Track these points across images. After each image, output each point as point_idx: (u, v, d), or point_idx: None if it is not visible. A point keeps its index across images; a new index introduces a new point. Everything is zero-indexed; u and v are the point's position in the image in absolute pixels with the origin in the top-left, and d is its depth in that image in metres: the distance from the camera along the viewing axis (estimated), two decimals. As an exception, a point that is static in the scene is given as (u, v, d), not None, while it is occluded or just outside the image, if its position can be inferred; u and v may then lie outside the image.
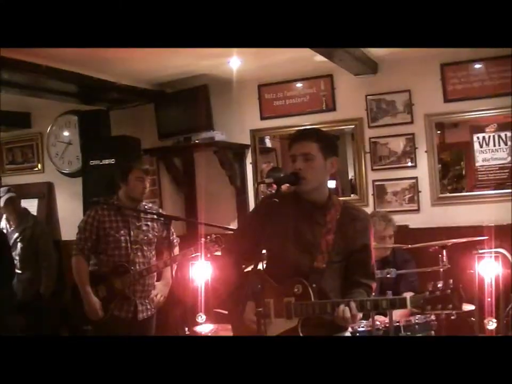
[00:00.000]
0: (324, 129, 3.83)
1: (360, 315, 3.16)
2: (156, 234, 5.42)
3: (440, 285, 2.96)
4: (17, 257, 7.06)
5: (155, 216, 5.41)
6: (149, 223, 5.40)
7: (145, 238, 5.35)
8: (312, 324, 3.30)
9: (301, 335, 3.27)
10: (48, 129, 8.22)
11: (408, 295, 5.46)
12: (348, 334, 3.55)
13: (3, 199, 7.11)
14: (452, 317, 5.28)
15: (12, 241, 7.08)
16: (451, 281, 2.95)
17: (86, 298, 5.17)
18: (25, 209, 7.63)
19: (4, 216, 7.27)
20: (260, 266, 3.61)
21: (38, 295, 7.06)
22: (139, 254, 5.30)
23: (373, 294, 3.46)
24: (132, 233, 5.30)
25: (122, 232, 5.27)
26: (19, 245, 7.09)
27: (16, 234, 7.13)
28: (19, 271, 7.03)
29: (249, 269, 3.68)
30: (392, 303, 3.06)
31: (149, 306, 5.35)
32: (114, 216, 5.30)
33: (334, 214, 3.44)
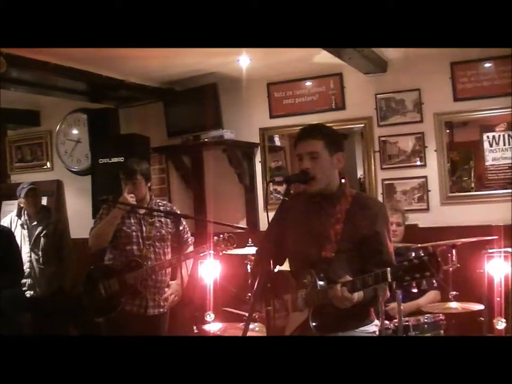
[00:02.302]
0: (332, 127, 3.80)
1: (354, 296, 3.12)
2: (170, 230, 5.39)
3: (420, 253, 2.94)
4: (40, 253, 7.09)
5: (163, 214, 5.41)
6: (162, 219, 5.39)
7: (158, 234, 5.33)
8: (323, 315, 3.30)
9: (312, 326, 3.28)
10: (57, 127, 8.25)
11: (429, 295, 5.55)
12: (370, 327, 3.53)
13: (25, 190, 7.10)
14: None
15: (34, 237, 7.11)
16: (430, 248, 2.92)
17: (118, 210, 5.22)
18: (47, 206, 7.71)
19: (24, 211, 7.27)
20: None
21: (60, 289, 7.12)
22: (152, 250, 5.28)
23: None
24: (144, 229, 5.29)
25: (134, 228, 5.27)
26: (42, 240, 7.10)
27: (39, 229, 7.13)
28: (41, 266, 7.08)
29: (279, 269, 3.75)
30: (377, 278, 3.03)
31: (161, 303, 5.32)
32: (127, 212, 5.29)
33: (344, 204, 3.45)
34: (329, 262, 3.35)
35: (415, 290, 4.94)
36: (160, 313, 5.34)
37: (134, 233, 5.26)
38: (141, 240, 5.26)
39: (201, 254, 5.23)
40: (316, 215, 3.49)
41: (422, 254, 2.88)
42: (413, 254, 2.91)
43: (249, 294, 5.61)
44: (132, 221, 5.30)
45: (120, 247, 5.27)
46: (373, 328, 3.54)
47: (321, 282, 3.31)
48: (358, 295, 3.14)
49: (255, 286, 3.34)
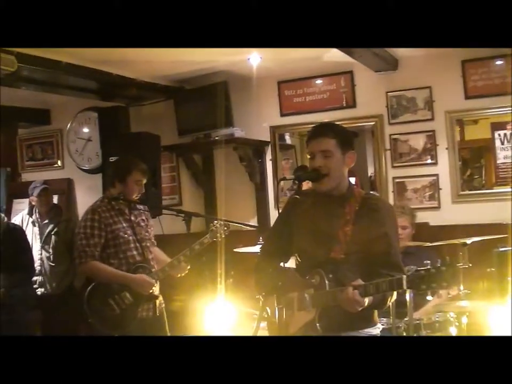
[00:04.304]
0: (344, 126, 3.81)
1: (365, 300, 3.13)
2: (150, 228, 5.39)
3: (438, 262, 2.93)
4: (51, 250, 7.15)
5: (168, 213, 5.43)
6: (143, 217, 5.34)
7: (147, 233, 5.28)
8: (330, 315, 3.31)
9: (318, 326, 3.29)
10: (68, 125, 8.23)
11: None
12: (374, 329, 3.53)
13: (37, 190, 7.17)
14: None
15: (45, 235, 7.18)
16: (448, 258, 2.91)
17: (129, 279, 5.00)
18: (58, 204, 7.80)
19: (36, 209, 7.31)
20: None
21: (71, 287, 7.15)
22: (149, 250, 5.23)
23: None
24: (136, 231, 5.19)
25: (129, 232, 5.15)
26: (53, 238, 7.17)
27: (50, 227, 7.20)
28: (52, 264, 7.15)
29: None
30: (391, 284, 3.04)
31: (161, 299, 5.27)
32: (116, 216, 5.15)
33: (353, 205, 3.45)
34: (338, 263, 3.36)
35: (429, 297, 4.95)
36: (163, 308, 5.29)
37: (131, 238, 5.13)
38: (137, 244, 5.16)
39: (206, 245, 5.15)
40: (324, 215, 3.49)
41: (440, 264, 2.86)
42: (425, 255, 2.89)
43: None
44: (124, 224, 5.16)
45: (120, 255, 5.08)
46: (376, 331, 3.54)
47: (330, 283, 3.31)
48: (368, 299, 3.15)
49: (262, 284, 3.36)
